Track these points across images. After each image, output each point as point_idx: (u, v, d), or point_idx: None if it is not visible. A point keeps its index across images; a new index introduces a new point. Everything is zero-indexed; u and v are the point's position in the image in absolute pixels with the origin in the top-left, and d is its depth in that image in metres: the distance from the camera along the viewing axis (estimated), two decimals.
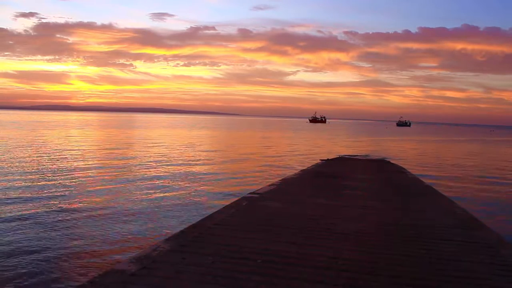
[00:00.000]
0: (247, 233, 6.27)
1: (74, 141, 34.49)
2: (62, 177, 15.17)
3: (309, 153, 29.84)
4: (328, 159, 21.42)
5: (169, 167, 19.33)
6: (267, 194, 9.80)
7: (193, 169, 18.78)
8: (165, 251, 5.35)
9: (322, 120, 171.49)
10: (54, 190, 12.65)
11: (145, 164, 20.02)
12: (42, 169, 16.99)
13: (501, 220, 10.77)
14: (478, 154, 36.23)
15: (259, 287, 4.32)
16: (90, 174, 16.27)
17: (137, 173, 16.89)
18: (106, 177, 15.70)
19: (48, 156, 21.83)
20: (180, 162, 21.61)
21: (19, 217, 9.32)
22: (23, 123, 72.33)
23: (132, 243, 7.80)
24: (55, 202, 10.93)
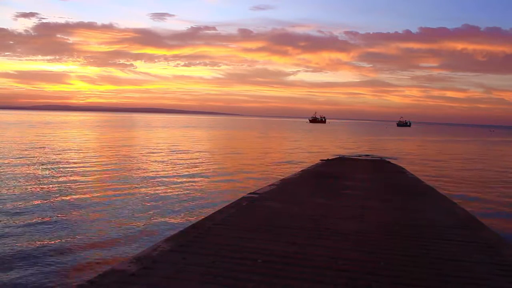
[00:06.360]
0: (247, 233, 6.28)
1: (86, 140, 34.53)
2: (64, 176, 15.18)
3: (309, 153, 29.83)
4: (328, 159, 21.42)
5: (169, 167, 19.34)
6: (267, 194, 9.80)
7: (194, 169, 18.78)
8: (165, 251, 5.35)
9: (322, 120, 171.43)
10: (54, 190, 12.65)
11: (145, 164, 20.03)
12: (48, 168, 17.01)
13: (501, 220, 10.76)
14: (478, 154, 36.23)
15: (259, 287, 4.32)
16: (91, 173, 16.27)
17: (137, 173, 16.89)
18: (106, 176, 15.71)
19: (57, 156, 21.87)
20: (181, 162, 21.61)
21: (19, 216, 9.32)
22: (34, 123, 72.34)
23: (132, 243, 7.80)
24: (55, 202, 10.94)
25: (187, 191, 13.27)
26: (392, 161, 21.65)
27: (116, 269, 4.73)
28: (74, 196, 11.82)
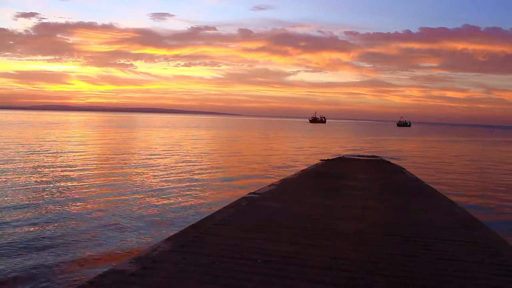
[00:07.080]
0: (247, 233, 6.27)
1: (86, 141, 34.55)
2: (63, 176, 15.19)
3: (309, 153, 29.83)
4: (328, 159, 21.41)
5: (170, 167, 19.33)
6: (267, 194, 9.80)
7: (193, 170, 18.78)
8: (165, 251, 5.35)
9: (322, 120, 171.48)
10: (55, 190, 12.66)
11: (145, 164, 20.02)
12: (50, 169, 17.01)
13: (501, 221, 10.76)
14: (478, 154, 36.22)
15: (259, 287, 4.32)
16: (91, 174, 16.27)
17: (137, 173, 16.89)
18: (106, 176, 15.71)
19: (51, 156, 21.88)
20: (182, 162, 21.61)
21: (18, 216, 9.32)
22: (34, 123, 72.37)
23: (132, 243, 7.80)
24: (55, 202, 10.94)
25: (187, 191, 13.27)
26: (392, 161, 21.64)
27: (116, 269, 4.73)
28: (72, 200, 11.81)
